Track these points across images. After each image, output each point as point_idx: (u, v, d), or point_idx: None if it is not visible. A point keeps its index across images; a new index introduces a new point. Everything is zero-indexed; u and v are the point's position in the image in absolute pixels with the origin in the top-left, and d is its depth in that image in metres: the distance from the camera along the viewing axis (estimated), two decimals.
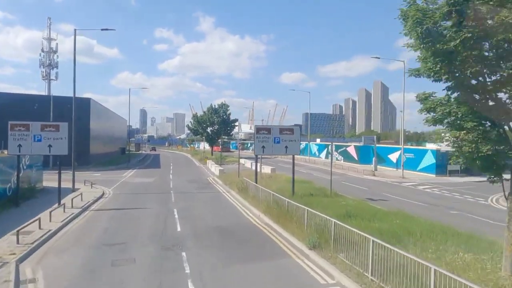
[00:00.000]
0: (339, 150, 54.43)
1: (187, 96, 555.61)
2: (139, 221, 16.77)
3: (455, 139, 9.68)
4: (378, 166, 41.93)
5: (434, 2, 8.82)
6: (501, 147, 9.34)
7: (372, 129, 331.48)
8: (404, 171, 38.61)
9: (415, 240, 11.92)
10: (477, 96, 9.42)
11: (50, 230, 14.73)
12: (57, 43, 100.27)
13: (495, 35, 7.91)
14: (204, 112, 70.33)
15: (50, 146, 19.51)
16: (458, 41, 8.15)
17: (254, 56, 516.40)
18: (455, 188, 29.41)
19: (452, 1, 8.20)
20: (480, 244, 11.54)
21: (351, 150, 51.15)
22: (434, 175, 36.18)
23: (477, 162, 9.49)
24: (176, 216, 17.70)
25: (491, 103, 9.27)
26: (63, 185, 26.35)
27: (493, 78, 9.07)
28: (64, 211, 18.19)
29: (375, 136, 45.11)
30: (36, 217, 15.17)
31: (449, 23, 8.56)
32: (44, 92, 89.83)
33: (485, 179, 10.51)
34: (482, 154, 9.08)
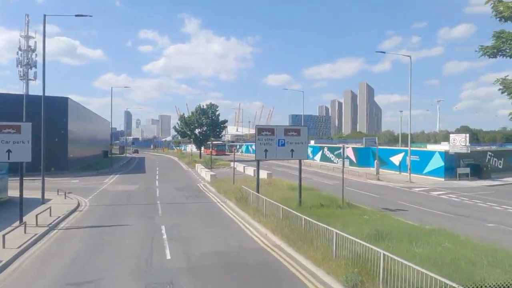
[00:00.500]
0: (335, 152, 51.65)
1: (173, 98, 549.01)
2: (119, 245, 13.43)
3: None
4: (379, 169, 39.24)
5: None
6: None
7: (358, 130, 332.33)
8: (411, 174, 36.07)
9: (484, 273, 8.97)
10: None
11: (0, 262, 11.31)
12: (35, 41, 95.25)
13: None
14: (192, 113, 66.82)
15: (9, 151, 15.97)
16: None
17: (240, 57, 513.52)
18: (473, 194, 26.78)
19: None
20: None
21: (349, 152, 48.33)
22: (442, 179, 33.60)
23: None
24: (165, 237, 14.41)
25: None
26: (32, 195, 22.87)
27: None
28: (25, 231, 14.71)
29: (376, 138, 42.47)
30: None
31: None
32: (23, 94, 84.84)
33: (497, 183, 7.72)
34: None
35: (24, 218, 16.19)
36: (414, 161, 37.80)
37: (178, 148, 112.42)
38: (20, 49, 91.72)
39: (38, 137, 21.46)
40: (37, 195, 22.46)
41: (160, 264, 11.23)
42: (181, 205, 21.97)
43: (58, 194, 24.60)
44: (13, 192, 22.95)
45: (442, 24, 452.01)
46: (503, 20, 7.21)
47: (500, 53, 7.61)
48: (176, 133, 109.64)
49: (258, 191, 19.31)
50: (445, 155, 34.08)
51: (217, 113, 66.85)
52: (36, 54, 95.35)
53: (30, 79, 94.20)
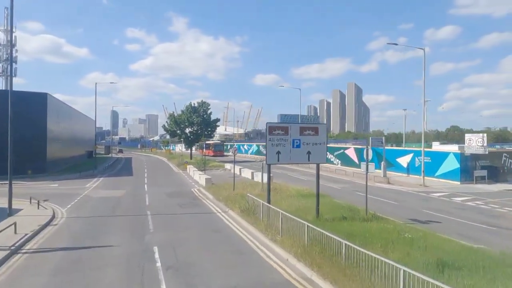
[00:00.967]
0: (336, 153, 48.86)
1: (160, 97, 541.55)
2: (98, 280, 10.17)
3: None
4: (385, 171, 36.57)
5: None
6: None
7: (346, 130, 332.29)
8: (419, 177, 33.46)
9: None
10: None
11: None
12: (15, 36, 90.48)
13: None
14: (182, 111, 63.20)
15: None
16: None
17: (228, 57, 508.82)
18: (498, 199, 24.18)
19: None
20: None
21: (351, 153, 45.64)
22: (458, 183, 30.99)
23: None
24: (159, 264, 11.21)
25: None
26: None
27: None
28: None
29: (383, 138, 39.70)
30: None
31: None
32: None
33: None
34: None
35: None
36: (425, 162, 35.25)
37: (167, 148, 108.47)
38: None
39: (11, 135, 18.09)
40: (5, 203, 18.99)
41: None
42: (176, 216, 18.71)
43: (30, 202, 21.16)
44: None
45: (428, 26, 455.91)
46: None
47: None
48: (164, 133, 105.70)
49: (269, 201, 16.18)
50: (461, 156, 31.47)
51: (208, 111, 63.51)
52: (17, 50, 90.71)
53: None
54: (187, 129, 62.42)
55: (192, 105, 62.79)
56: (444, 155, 33.18)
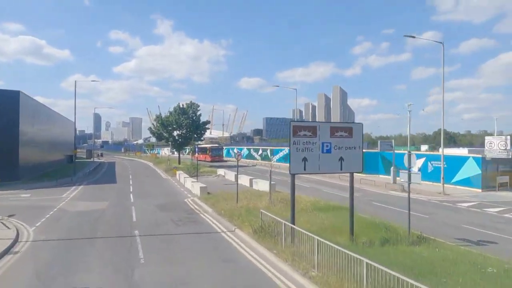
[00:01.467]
0: None
1: (144, 100, 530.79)
2: None
3: None
4: (395, 177, 33.61)
5: None
6: None
7: None
8: (435, 184, 30.67)
9: None
10: None
11: None
12: None
13: None
14: (170, 112, 59.20)
15: None
16: None
17: (213, 60, 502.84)
18: None
19: None
20: None
21: None
22: (479, 190, 28.20)
23: None
24: None
25: None
26: None
27: None
28: None
29: (392, 141, 36.77)
30: None
31: None
32: None
33: None
34: None
35: None
36: (439, 167, 32.48)
37: (152, 152, 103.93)
38: None
39: None
40: None
41: None
42: (171, 238, 15.10)
43: None
44: None
45: (410, 31, 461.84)
46: None
47: None
48: (148, 136, 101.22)
49: (293, 221, 12.74)
50: (482, 161, 28.69)
51: (198, 113, 59.67)
52: None
53: None
54: (175, 131, 58.47)
55: (181, 106, 58.91)
56: (462, 160, 30.37)
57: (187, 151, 76.35)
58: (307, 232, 11.41)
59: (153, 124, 62.46)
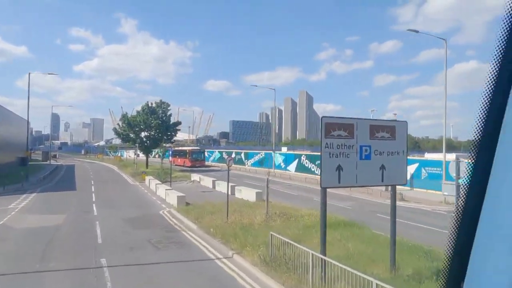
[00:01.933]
0: (317, 162, 43.11)
1: (107, 100, 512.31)
2: None
3: None
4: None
5: None
6: None
7: (297, 137, 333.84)
8: (429, 191, 28.71)
9: None
10: None
11: None
12: None
13: None
14: (138, 112, 54.53)
15: None
16: None
17: (179, 62, 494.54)
18: None
19: None
20: None
21: None
22: None
23: None
24: None
25: None
26: None
27: None
28: None
29: None
30: None
31: None
32: None
33: None
34: None
35: None
36: (433, 174, 30.50)
37: (116, 154, 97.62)
38: None
39: None
40: None
41: None
42: (150, 270, 11.39)
43: None
44: None
45: (372, 39, 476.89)
46: None
47: None
48: (110, 137, 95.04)
49: (324, 251, 9.44)
50: None
51: (168, 113, 55.42)
52: None
53: None
54: (142, 132, 53.83)
55: (149, 105, 54.38)
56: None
57: (153, 154, 71.17)
58: (345, 267, 8.21)
59: (118, 124, 57.48)
